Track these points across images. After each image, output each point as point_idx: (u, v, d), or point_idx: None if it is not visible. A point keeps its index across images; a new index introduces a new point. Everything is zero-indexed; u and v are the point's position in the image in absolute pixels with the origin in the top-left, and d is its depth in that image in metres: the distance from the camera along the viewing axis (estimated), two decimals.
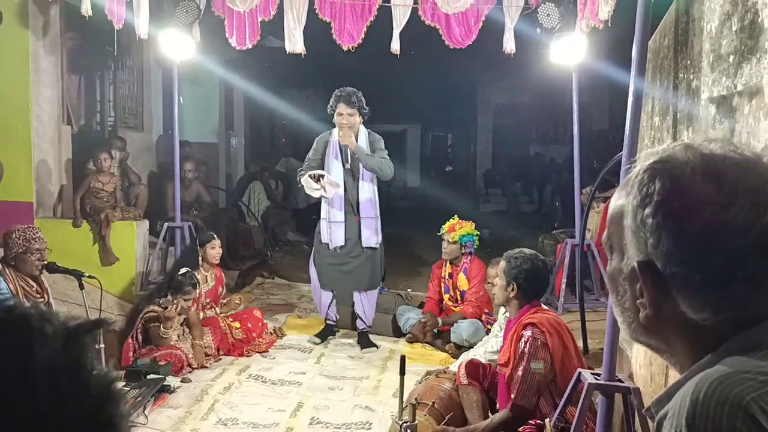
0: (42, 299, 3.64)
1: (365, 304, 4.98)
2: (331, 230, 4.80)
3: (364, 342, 4.98)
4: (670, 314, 0.78)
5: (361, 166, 4.73)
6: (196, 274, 4.68)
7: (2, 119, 5.50)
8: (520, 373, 2.86)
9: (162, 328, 4.32)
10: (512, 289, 3.05)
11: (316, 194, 4.70)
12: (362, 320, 5.00)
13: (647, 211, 0.77)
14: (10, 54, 5.50)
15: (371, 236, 4.81)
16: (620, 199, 0.84)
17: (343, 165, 4.76)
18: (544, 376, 2.86)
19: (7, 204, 5.45)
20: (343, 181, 4.74)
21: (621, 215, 0.83)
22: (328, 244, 4.83)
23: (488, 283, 4.02)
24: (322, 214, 4.87)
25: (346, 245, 4.81)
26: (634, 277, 0.80)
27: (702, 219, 0.74)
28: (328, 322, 5.11)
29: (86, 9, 4.89)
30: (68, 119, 6.29)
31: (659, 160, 0.80)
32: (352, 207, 4.78)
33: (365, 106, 4.78)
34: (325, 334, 5.08)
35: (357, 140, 4.72)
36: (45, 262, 3.58)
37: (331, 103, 4.75)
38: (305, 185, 4.68)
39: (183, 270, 4.57)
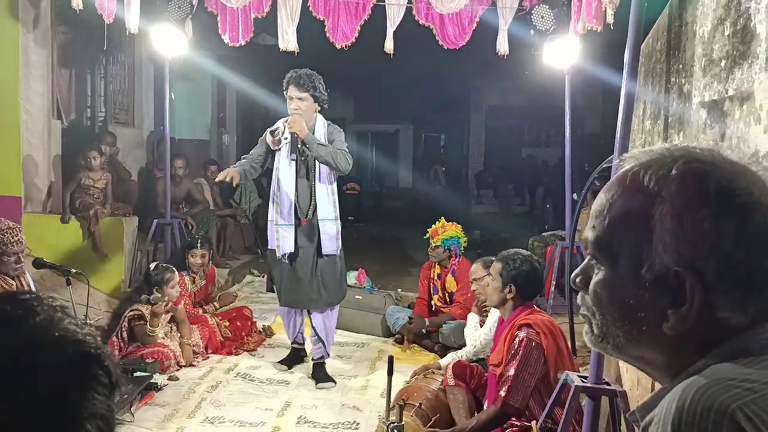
0: None
1: (327, 325, 4.24)
2: (279, 235, 4.04)
3: (321, 375, 4.19)
4: (703, 321, 0.75)
5: (316, 161, 4.02)
6: (168, 266, 4.62)
7: None
8: (512, 372, 2.86)
9: (148, 326, 4.29)
10: (509, 291, 3.04)
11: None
12: (323, 346, 4.22)
13: (701, 213, 0.74)
14: (0, 47, 5.44)
15: (330, 242, 4.06)
16: (633, 201, 0.79)
17: (289, 156, 4.01)
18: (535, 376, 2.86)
19: None
20: (294, 177, 4.04)
21: (640, 218, 0.77)
22: (275, 250, 4.10)
23: (473, 281, 4.01)
24: (269, 216, 4.14)
25: (299, 254, 4.06)
26: (662, 284, 0.75)
27: (759, 218, 0.74)
28: (295, 346, 4.44)
29: (77, 3, 4.85)
30: (58, 113, 6.25)
31: (693, 160, 0.77)
32: (300, 209, 4.05)
33: (323, 92, 4.05)
34: (293, 360, 4.42)
35: (314, 132, 4.03)
36: (22, 265, 3.53)
37: (284, 87, 4.08)
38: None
39: (152, 265, 4.56)
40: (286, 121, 4.04)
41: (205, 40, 6.12)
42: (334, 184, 4.14)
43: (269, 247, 4.18)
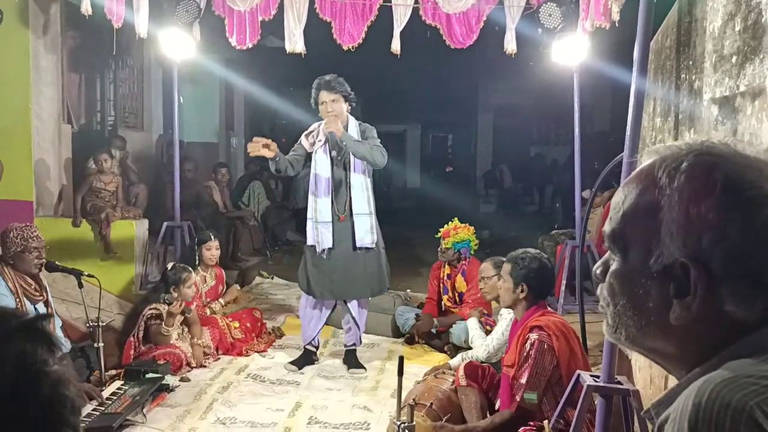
0: (41, 297, 3.63)
1: (362, 314, 4.52)
2: (319, 231, 4.30)
3: (352, 362, 4.48)
4: (710, 313, 0.75)
5: (352, 157, 4.25)
6: (185, 266, 4.63)
7: (2, 118, 5.49)
8: (524, 375, 2.85)
9: (164, 325, 4.31)
10: (521, 291, 3.02)
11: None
12: (357, 333, 4.52)
13: (706, 204, 0.74)
14: (11, 53, 5.49)
15: (365, 235, 4.30)
16: (644, 193, 0.79)
17: (329, 154, 4.27)
18: (548, 379, 2.85)
19: (7, 203, 5.45)
20: (330, 176, 4.27)
21: (650, 210, 0.78)
22: (315, 246, 4.34)
23: (481, 278, 3.98)
24: (309, 214, 4.38)
25: (337, 248, 4.30)
26: (668, 274, 0.76)
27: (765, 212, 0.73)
28: (307, 347, 4.54)
29: (86, 8, 4.89)
30: (68, 118, 6.30)
31: (705, 153, 0.77)
32: (337, 206, 4.29)
33: (350, 92, 4.30)
34: (304, 361, 4.49)
35: (347, 131, 4.24)
36: (43, 261, 3.58)
37: (313, 95, 4.29)
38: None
39: (170, 265, 4.59)
40: (320, 124, 4.29)
41: (212, 44, 6.14)
42: (370, 180, 4.38)
43: (308, 243, 4.40)
